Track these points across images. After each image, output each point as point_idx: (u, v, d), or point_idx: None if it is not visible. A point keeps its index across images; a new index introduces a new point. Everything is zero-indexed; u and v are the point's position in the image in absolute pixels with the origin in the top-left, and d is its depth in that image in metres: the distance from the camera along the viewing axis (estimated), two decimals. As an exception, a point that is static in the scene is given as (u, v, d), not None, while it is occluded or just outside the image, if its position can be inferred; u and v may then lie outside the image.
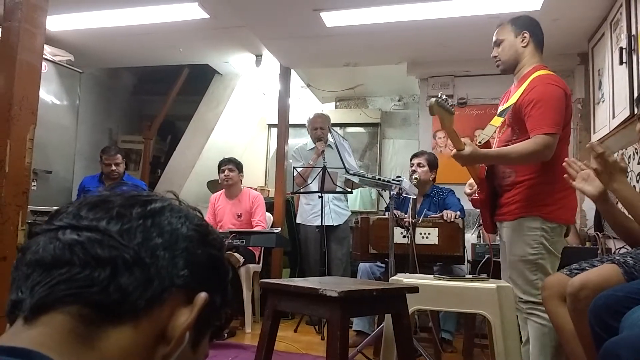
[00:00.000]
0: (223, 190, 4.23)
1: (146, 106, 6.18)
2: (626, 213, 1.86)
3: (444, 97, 1.99)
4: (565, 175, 1.90)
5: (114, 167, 4.03)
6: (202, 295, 0.54)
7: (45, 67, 4.11)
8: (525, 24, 2.25)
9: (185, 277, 0.53)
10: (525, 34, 2.22)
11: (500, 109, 2.31)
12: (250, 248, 3.83)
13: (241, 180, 4.23)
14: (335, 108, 5.91)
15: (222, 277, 0.59)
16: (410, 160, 3.66)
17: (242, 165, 4.21)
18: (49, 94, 4.25)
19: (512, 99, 2.19)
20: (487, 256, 2.97)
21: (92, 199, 0.55)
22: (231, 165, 4.10)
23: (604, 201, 1.87)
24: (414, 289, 1.70)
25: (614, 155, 1.92)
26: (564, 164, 1.92)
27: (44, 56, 3.61)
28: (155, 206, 0.55)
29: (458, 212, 3.18)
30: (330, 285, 1.58)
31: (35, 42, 2.03)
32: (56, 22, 3.88)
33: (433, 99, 1.94)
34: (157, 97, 5.79)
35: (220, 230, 3.75)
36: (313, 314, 1.95)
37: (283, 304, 1.71)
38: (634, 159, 3.07)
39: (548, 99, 2.06)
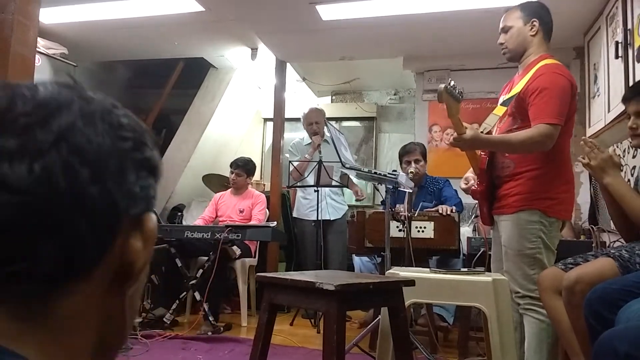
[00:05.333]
0: (230, 189, 4.28)
1: (141, 100, 6.14)
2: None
3: (452, 83, 1.92)
4: (580, 157, 1.91)
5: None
6: (151, 216, 0.47)
7: (38, 60, 4.07)
8: (535, 10, 2.17)
9: (127, 202, 0.44)
10: (534, 22, 2.14)
11: (502, 98, 2.24)
12: (246, 242, 3.84)
13: (250, 183, 4.30)
14: (331, 102, 5.91)
15: (156, 178, 0.48)
16: (401, 156, 3.56)
17: (254, 168, 4.29)
18: (42, 87, 4.21)
19: (517, 88, 2.13)
20: (482, 249, 2.97)
21: None
22: (239, 170, 4.15)
23: (605, 173, 1.89)
24: (411, 282, 1.71)
25: (608, 150, 1.93)
26: (581, 142, 1.91)
27: (37, 49, 3.58)
28: (62, 121, 0.41)
29: (454, 207, 3.18)
30: (327, 278, 1.58)
31: (29, 35, 2.01)
32: (50, 15, 3.84)
33: (442, 85, 1.88)
34: (152, 90, 5.75)
35: (219, 224, 3.75)
36: (309, 308, 1.95)
37: (279, 298, 1.71)
38: (628, 153, 3.09)
39: (553, 88, 2.01)
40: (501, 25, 2.22)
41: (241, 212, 4.12)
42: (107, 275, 0.44)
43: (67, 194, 0.39)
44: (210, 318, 3.31)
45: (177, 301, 3.44)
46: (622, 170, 1.93)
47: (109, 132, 0.43)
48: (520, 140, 2.03)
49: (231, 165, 4.21)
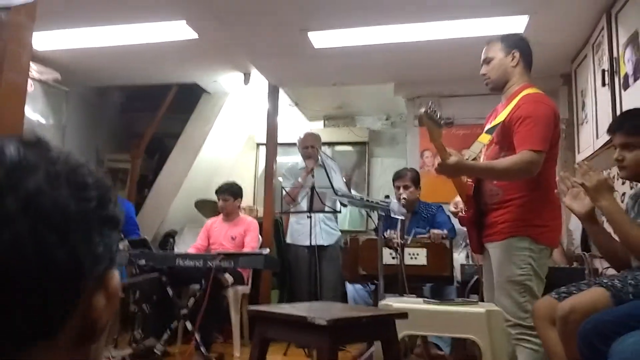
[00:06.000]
0: (221, 215, 4.22)
1: (134, 124, 6.14)
2: (612, 232, 1.88)
3: (432, 108, 1.93)
4: (555, 191, 1.91)
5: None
6: (115, 275, 0.48)
7: (31, 85, 4.08)
8: (516, 42, 2.23)
9: (91, 264, 0.44)
10: (515, 53, 2.19)
11: (487, 126, 2.28)
12: (239, 269, 3.80)
13: (239, 206, 4.22)
14: (324, 127, 5.94)
15: (117, 231, 0.49)
16: (394, 181, 3.61)
17: (240, 189, 4.19)
18: (34, 112, 4.21)
19: (501, 117, 2.17)
20: (476, 277, 2.97)
21: None
22: (226, 194, 4.08)
23: (591, 221, 1.89)
24: (404, 315, 1.69)
25: (603, 173, 1.94)
26: (557, 178, 1.92)
27: (30, 74, 3.59)
28: (29, 187, 0.42)
29: (445, 232, 3.18)
30: (319, 312, 1.56)
31: (21, 61, 2.02)
32: (43, 41, 3.86)
33: (422, 110, 1.90)
34: (145, 114, 5.76)
35: (212, 252, 3.72)
36: (302, 342, 1.92)
37: (271, 332, 1.69)
38: (617, 179, 3.11)
39: (536, 117, 2.05)
40: (483, 57, 2.27)
41: (233, 239, 4.08)
42: (72, 333, 0.45)
43: (35, 259, 0.40)
44: (202, 349, 3.26)
45: (169, 331, 3.38)
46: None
47: (74, 195, 0.44)
48: (505, 166, 2.05)
49: (216, 193, 4.16)
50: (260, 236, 4.26)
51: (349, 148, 5.84)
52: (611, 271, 2.25)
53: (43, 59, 4.23)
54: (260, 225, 4.40)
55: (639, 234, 1.76)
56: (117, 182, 5.44)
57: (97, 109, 5.68)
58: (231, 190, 4.10)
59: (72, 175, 0.46)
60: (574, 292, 1.86)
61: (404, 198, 3.21)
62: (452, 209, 2.35)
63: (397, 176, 3.61)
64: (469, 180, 2.27)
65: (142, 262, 3.37)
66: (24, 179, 0.42)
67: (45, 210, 0.42)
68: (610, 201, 1.83)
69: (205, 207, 4.90)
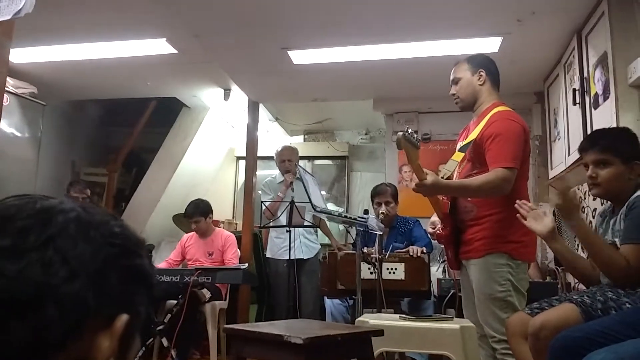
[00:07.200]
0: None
1: (112, 138, 6.09)
2: (580, 252, 1.92)
3: (409, 131, 1.97)
4: (517, 215, 1.95)
5: (81, 202, 3.94)
6: (123, 318, 0.51)
7: (6, 99, 4.02)
8: (481, 62, 2.30)
9: (100, 302, 0.49)
10: (481, 72, 2.27)
11: (460, 144, 2.34)
12: (217, 284, 3.77)
13: (211, 221, 4.15)
14: (304, 141, 5.97)
15: (144, 285, 0.55)
16: (373, 197, 3.62)
17: (208, 205, 4.10)
18: (10, 127, 4.14)
19: (473, 135, 2.22)
20: (452, 291, 3.00)
21: None
22: (196, 216, 3.99)
23: (553, 240, 1.92)
24: (379, 332, 1.71)
25: (572, 190, 1.98)
26: (515, 205, 1.96)
27: (6, 89, 3.54)
28: (56, 225, 0.49)
29: (424, 248, 3.21)
30: (295, 330, 1.57)
31: (-3, 77, 2.00)
32: (20, 55, 3.82)
33: (400, 133, 1.93)
34: (123, 128, 5.72)
35: (189, 267, 3.68)
36: (278, 361, 1.93)
37: (247, 350, 1.69)
38: (589, 195, 3.19)
39: (507, 134, 2.11)
40: (451, 77, 2.35)
41: (210, 254, 4.03)
42: None
43: (43, 286, 0.46)
44: (178, 365, 3.22)
45: (144, 348, 3.32)
46: (583, 212, 1.99)
47: (97, 239, 0.50)
48: (478, 184, 2.10)
49: (185, 217, 4.08)
50: (239, 250, 4.24)
51: (329, 162, 5.88)
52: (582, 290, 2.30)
53: (20, 73, 4.18)
54: (240, 239, 4.38)
55: (607, 252, 1.81)
56: (94, 196, 5.37)
57: (75, 123, 5.61)
58: (200, 211, 4.01)
59: (102, 225, 0.51)
60: (546, 307, 1.90)
61: (382, 213, 3.24)
62: (430, 230, 2.38)
63: (377, 192, 3.63)
64: (444, 198, 2.31)
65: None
66: (54, 219, 0.49)
67: (63, 248, 0.48)
68: (580, 220, 1.88)
69: (184, 221, 4.85)
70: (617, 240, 1.87)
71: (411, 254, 3.06)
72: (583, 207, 3.28)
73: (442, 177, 2.17)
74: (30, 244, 0.47)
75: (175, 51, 3.71)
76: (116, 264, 0.51)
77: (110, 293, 0.50)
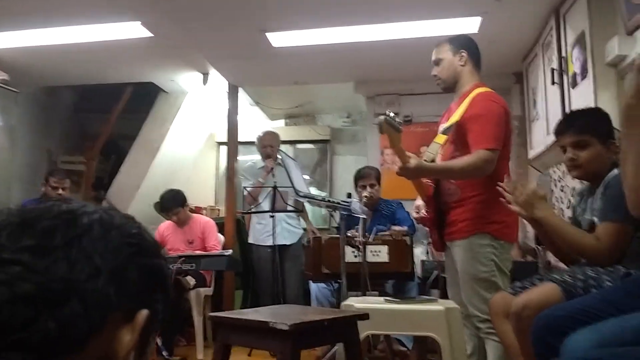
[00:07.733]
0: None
1: (88, 125, 5.95)
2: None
3: (391, 114, 1.96)
4: (501, 199, 1.96)
5: (61, 191, 3.86)
6: (143, 313, 0.54)
7: (-24, 87, 3.89)
8: (463, 43, 2.30)
9: (122, 298, 0.52)
10: (462, 53, 2.26)
11: (442, 126, 2.32)
12: (202, 271, 3.75)
13: (188, 209, 4.10)
14: (285, 125, 5.92)
15: (161, 284, 0.58)
16: (357, 180, 3.60)
17: (181, 193, 4.02)
18: (-19, 115, 4.02)
19: (455, 117, 2.22)
20: (436, 272, 3.03)
21: (12, 218, 0.53)
22: (175, 209, 3.92)
23: (538, 223, 1.94)
24: (365, 316, 1.71)
25: (532, 184, 1.98)
26: (498, 187, 1.96)
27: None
28: (80, 226, 0.52)
29: (406, 228, 3.23)
30: (281, 317, 1.56)
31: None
32: (-11, 41, 3.69)
33: (382, 117, 1.91)
34: (100, 115, 5.59)
35: (170, 255, 3.64)
36: (264, 347, 1.92)
37: (233, 337, 1.68)
38: (567, 175, 3.23)
39: (488, 115, 2.12)
40: (433, 59, 2.33)
41: (190, 243, 3.96)
42: (94, 356, 0.50)
43: (67, 281, 0.49)
44: (164, 353, 3.21)
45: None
46: (553, 199, 2.00)
47: (118, 238, 0.54)
48: (461, 166, 2.11)
49: (163, 212, 4.02)
50: (222, 236, 4.21)
51: (310, 146, 5.85)
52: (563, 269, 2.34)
53: (-11, 59, 4.05)
54: (222, 225, 4.35)
55: (576, 236, 1.83)
56: (72, 185, 5.26)
57: (49, 110, 5.47)
58: (176, 202, 3.94)
59: (122, 226, 0.55)
60: (528, 287, 1.92)
61: (366, 196, 3.23)
62: (414, 214, 2.38)
63: (361, 175, 3.62)
64: (428, 181, 2.31)
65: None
66: (79, 219, 0.53)
67: (87, 246, 0.51)
68: (545, 211, 1.87)
69: (165, 209, 4.80)
70: (595, 218, 1.90)
71: (392, 235, 3.07)
72: (562, 186, 3.33)
73: (425, 160, 2.17)
74: (56, 243, 0.50)
75: (151, 34, 3.62)
76: (136, 261, 0.54)
77: (131, 289, 0.53)
